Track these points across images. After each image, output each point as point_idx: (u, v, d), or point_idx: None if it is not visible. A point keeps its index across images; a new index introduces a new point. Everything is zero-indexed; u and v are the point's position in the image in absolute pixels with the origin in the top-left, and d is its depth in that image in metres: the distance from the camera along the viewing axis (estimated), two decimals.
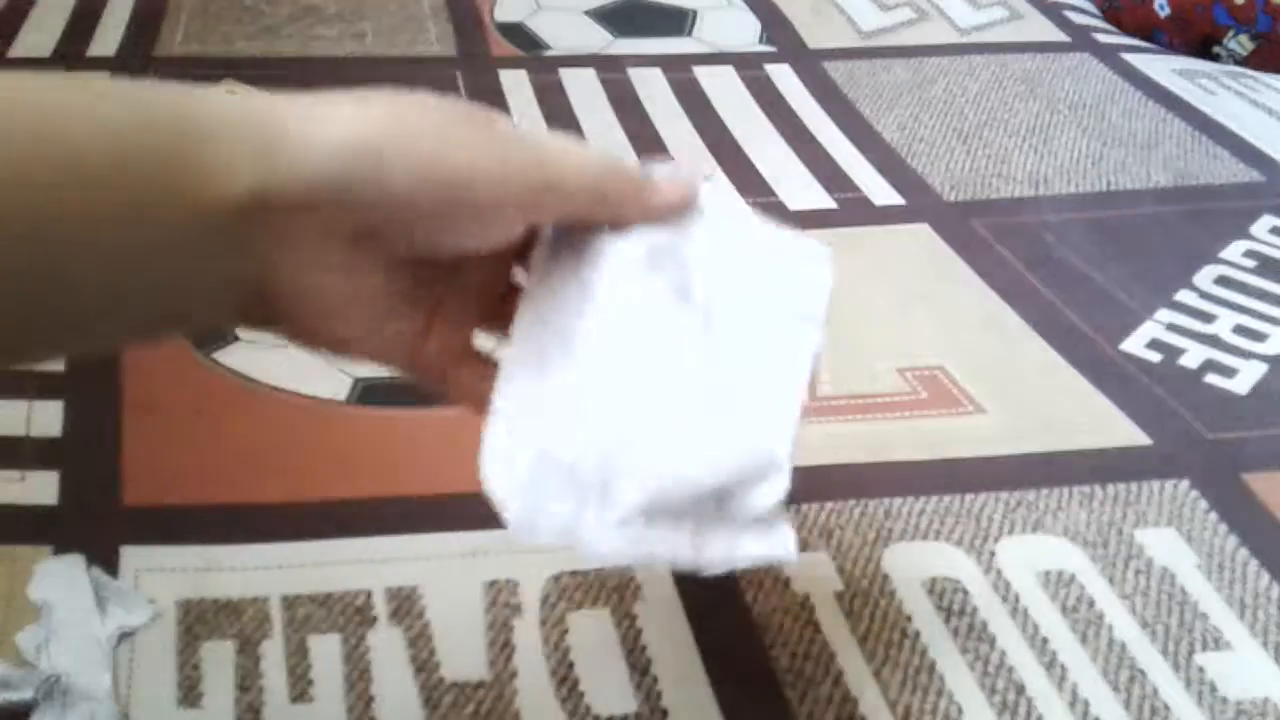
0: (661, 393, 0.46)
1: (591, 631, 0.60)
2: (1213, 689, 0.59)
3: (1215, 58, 1.24)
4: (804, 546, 0.65)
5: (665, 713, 0.57)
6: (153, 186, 0.39)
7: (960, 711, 0.58)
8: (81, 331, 0.41)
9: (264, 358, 0.76)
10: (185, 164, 0.40)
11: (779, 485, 0.46)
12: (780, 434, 0.46)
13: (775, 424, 0.46)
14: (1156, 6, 1.26)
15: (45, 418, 0.71)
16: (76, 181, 0.38)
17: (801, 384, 0.48)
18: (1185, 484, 0.71)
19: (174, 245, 0.40)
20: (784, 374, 0.48)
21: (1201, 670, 0.60)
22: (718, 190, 0.51)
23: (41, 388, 0.73)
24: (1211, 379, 0.79)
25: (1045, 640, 0.61)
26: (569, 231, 0.48)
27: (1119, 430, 0.75)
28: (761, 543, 0.46)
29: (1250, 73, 1.20)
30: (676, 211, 0.49)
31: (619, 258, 0.47)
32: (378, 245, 0.44)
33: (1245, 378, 0.79)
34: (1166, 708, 0.58)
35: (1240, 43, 1.22)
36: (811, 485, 0.69)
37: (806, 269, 0.51)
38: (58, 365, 0.74)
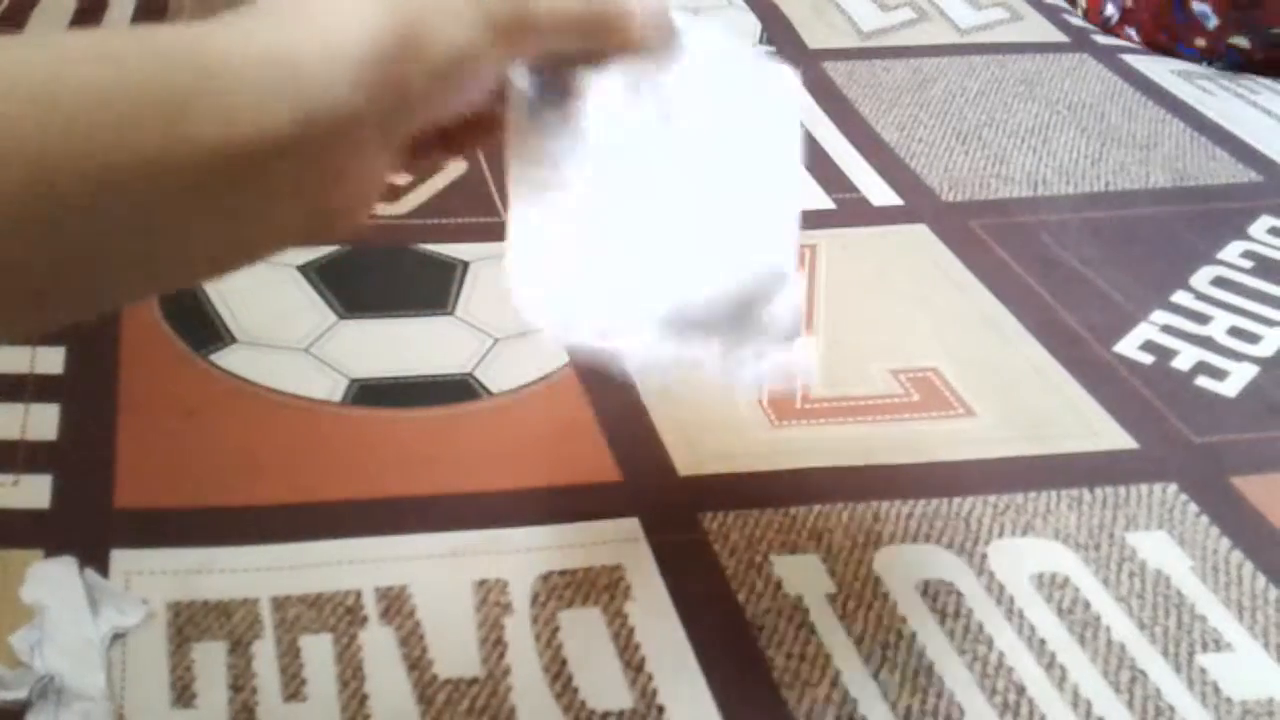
0: (664, 216, 0.47)
1: (583, 629, 0.60)
2: (1216, 690, 0.59)
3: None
4: (794, 549, 0.65)
5: (661, 709, 0.57)
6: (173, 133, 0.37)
7: (962, 712, 0.58)
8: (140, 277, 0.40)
9: (259, 359, 0.76)
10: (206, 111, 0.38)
11: (792, 297, 0.47)
12: (783, 248, 0.47)
13: (776, 238, 0.48)
14: (1127, 32, 1.26)
15: (41, 421, 0.71)
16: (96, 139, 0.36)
17: (794, 198, 0.48)
18: (1173, 487, 0.71)
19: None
20: (776, 190, 0.49)
21: (1204, 671, 0.60)
22: (689, 19, 0.51)
23: (39, 391, 0.73)
24: (1202, 381, 0.79)
25: (1043, 642, 0.61)
26: (544, 68, 0.48)
27: (1106, 434, 0.75)
28: (785, 357, 0.47)
29: (1248, 75, 1.20)
30: (657, 40, 0.48)
31: (600, 89, 0.47)
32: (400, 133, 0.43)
33: (1235, 380, 0.79)
34: (1171, 708, 0.58)
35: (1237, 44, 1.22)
36: (800, 488, 0.69)
37: (777, 89, 0.51)
38: (56, 368, 0.75)
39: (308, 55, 0.39)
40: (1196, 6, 1.18)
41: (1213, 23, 1.18)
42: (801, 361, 0.48)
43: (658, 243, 0.47)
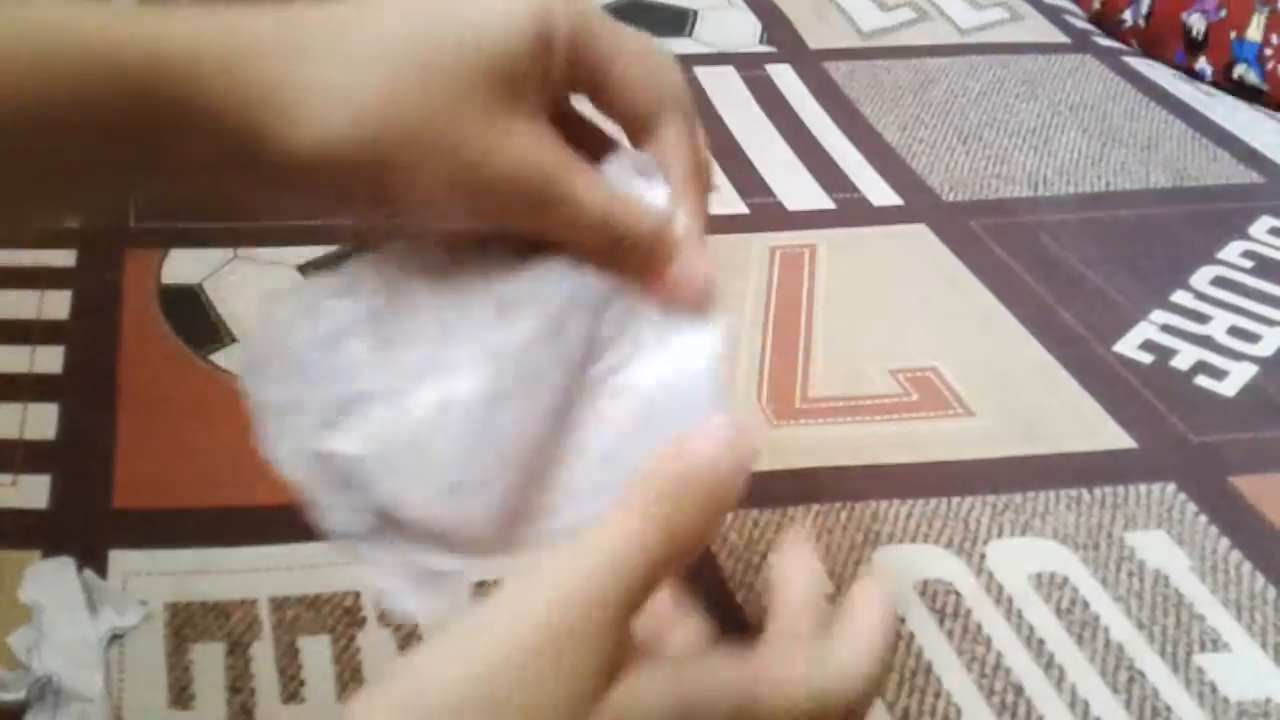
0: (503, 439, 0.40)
1: None
2: (1213, 689, 0.59)
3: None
4: None
5: None
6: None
7: (959, 712, 0.58)
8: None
9: None
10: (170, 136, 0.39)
11: (463, 568, 0.40)
12: (563, 521, 0.41)
13: (572, 512, 0.41)
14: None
15: (40, 421, 0.71)
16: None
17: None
18: (1172, 487, 0.71)
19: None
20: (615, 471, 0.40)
21: (1201, 671, 0.60)
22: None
23: (37, 390, 0.73)
24: (1201, 381, 0.79)
25: (1041, 641, 0.61)
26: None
27: (1105, 433, 0.75)
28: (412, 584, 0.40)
29: None
30: (690, 305, 0.43)
31: (558, 294, 0.41)
32: None
33: (1234, 380, 0.79)
34: (1168, 708, 0.58)
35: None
36: (799, 487, 0.69)
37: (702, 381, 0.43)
38: (55, 368, 0.75)
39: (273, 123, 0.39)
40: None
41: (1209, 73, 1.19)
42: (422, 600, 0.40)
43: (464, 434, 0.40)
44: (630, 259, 0.42)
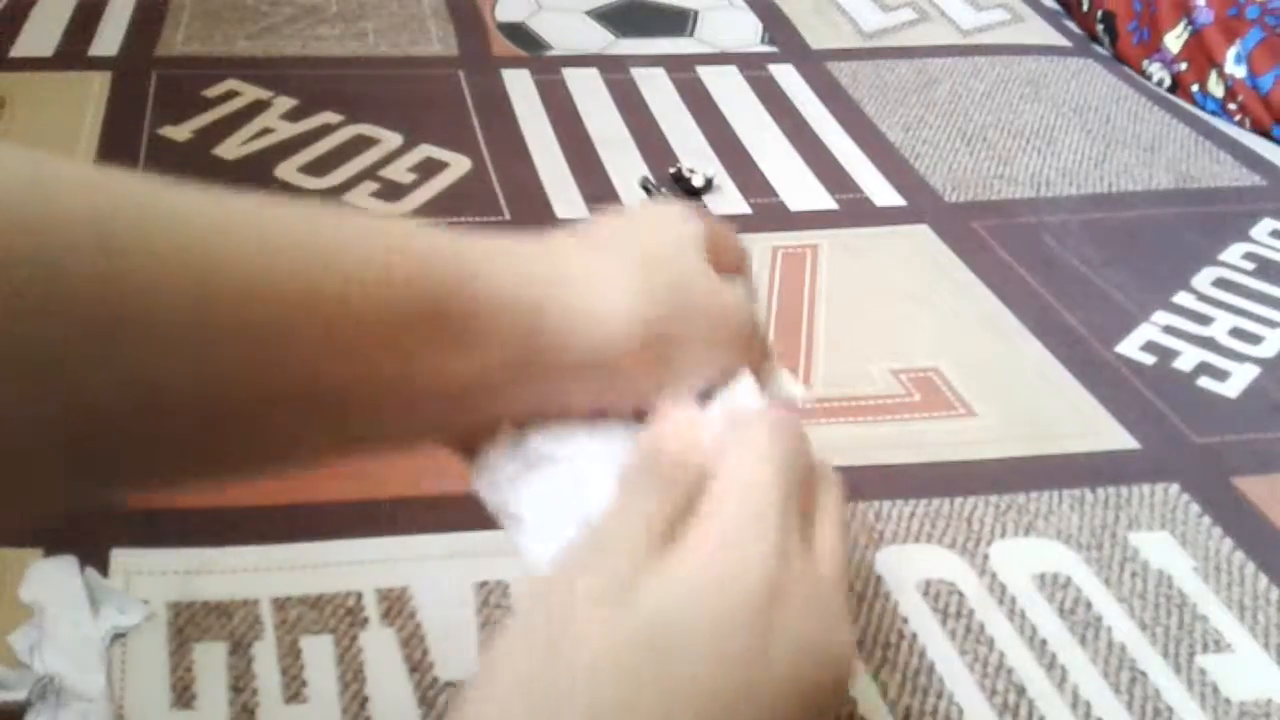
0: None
1: None
2: (1215, 690, 0.59)
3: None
4: None
5: None
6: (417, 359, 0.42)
7: (961, 713, 0.57)
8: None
9: None
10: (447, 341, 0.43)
11: None
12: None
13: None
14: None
15: None
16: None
17: None
18: (1175, 488, 0.70)
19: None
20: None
21: (1204, 672, 0.60)
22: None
23: None
24: (1203, 382, 0.79)
25: (1044, 642, 0.61)
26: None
27: (1108, 434, 0.75)
28: None
29: None
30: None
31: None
32: None
33: (1236, 381, 0.79)
34: (1170, 709, 0.58)
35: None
36: None
37: None
38: None
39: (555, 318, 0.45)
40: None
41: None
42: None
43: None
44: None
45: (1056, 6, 1.32)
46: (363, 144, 1.00)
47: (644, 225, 0.50)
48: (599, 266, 0.46)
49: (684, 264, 0.48)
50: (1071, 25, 1.28)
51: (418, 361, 0.42)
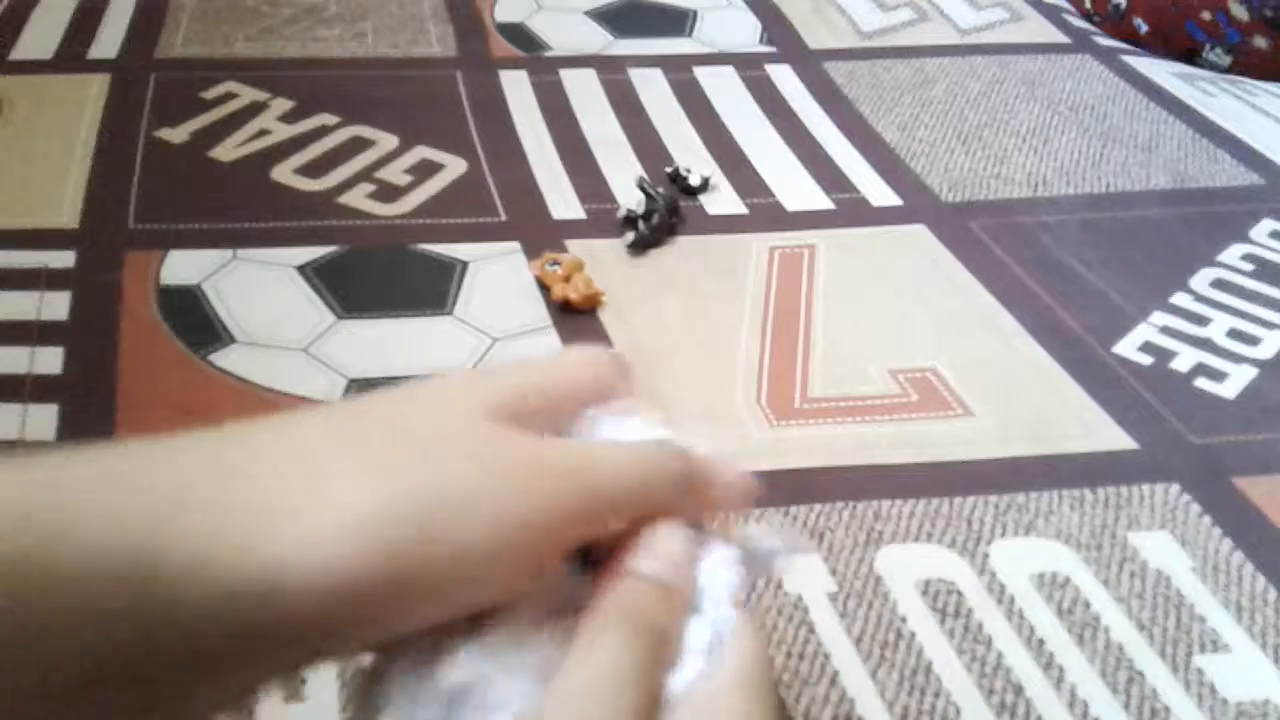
0: None
1: None
2: (1213, 690, 0.59)
3: (1201, 67, 1.24)
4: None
5: None
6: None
7: (958, 712, 0.57)
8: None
9: (258, 359, 0.76)
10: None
11: None
12: None
13: None
14: (1135, 24, 1.26)
15: (40, 422, 0.71)
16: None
17: None
18: (1176, 488, 0.71)
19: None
20: None
21: (1201, 672, 0.60)
22: None
23: (38, 392, 0.73)
24: (1201, 383, 0.79)
25: (1042, 641, 0.61)
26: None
27: (1106, 434, 0.75)
28: None
29: (1246, 80, 1.20)
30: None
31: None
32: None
33: (1234, 382, 0.79)
34: (1167, 709, 0.58)
35: (1219, 54, 1.22)
36: (801, 486, 0.69)
37: None
38: (55, 369, 0.75)
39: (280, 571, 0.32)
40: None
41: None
42: None
43: None
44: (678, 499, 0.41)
45: (1057, 1, 1.32)
46: (359, 145, 1.00)
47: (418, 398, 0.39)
48: (303, 468, 0.34)
49: (460, 441, 0.37)
50: (1072, 21, 1.28)
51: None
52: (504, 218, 0.92)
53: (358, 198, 0.93)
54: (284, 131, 1.01)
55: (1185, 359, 0.81)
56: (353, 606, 0.33)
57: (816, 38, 1.23)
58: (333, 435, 0.36)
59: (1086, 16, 1.32)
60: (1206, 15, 1.20)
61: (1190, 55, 1.24)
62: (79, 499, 0.32)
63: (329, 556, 0.33)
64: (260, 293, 0.82)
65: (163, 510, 0.32)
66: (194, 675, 0.33)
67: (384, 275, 0.85)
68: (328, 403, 0.36)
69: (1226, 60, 1.22)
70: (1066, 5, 1.33)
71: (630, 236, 0.88)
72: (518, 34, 1.21)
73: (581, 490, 0.38)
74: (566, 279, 0.82)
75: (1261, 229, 0.95)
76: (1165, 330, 0.83)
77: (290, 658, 0.34)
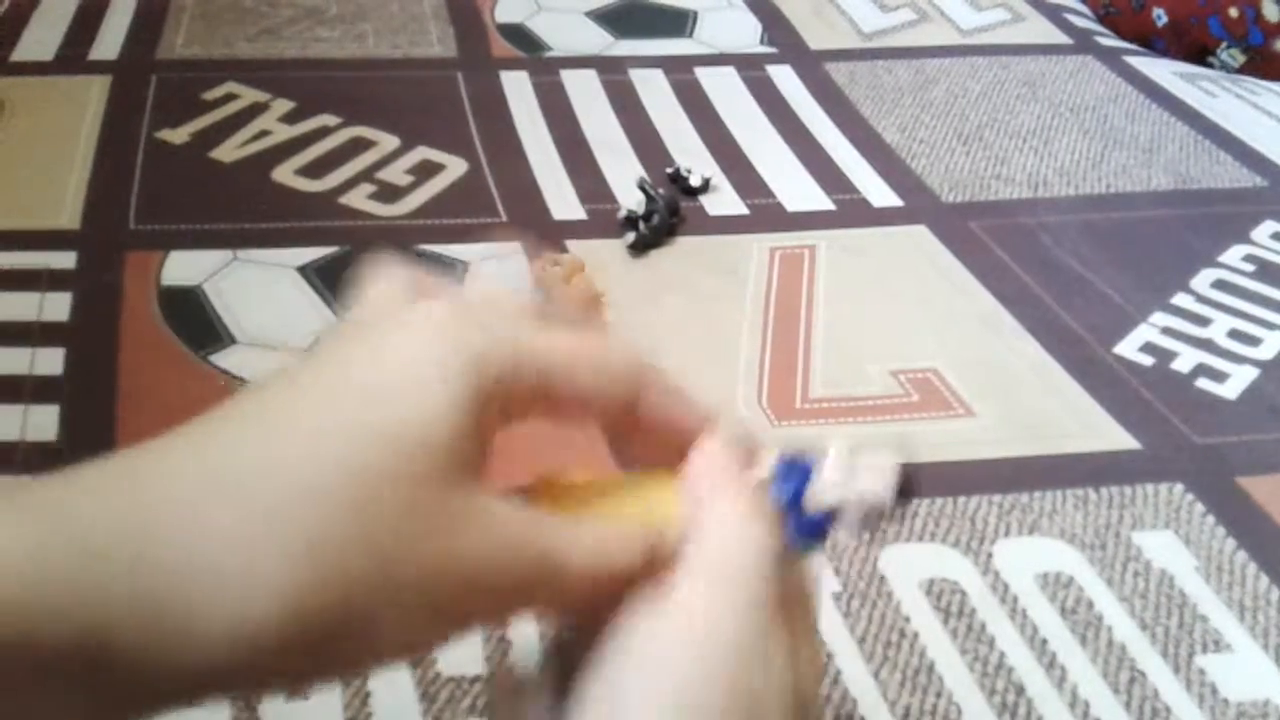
0: None
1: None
2: (1214, 691, 0.59)
3: (1209, 67, 1.24)
4: None
5: None
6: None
7: (960, 712, 0.57)
8: None
9: (259, 359, 0.76)
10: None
11: None
12: None
13: None
14: (1154, 16, 1.26)
15: (41, 422, 0.71)
16: None
17: None
18: (1179, 487, 0.71)
19: None
20: None
21: (1202, 672, 0.60)
22: None
23: (38, 392, 0.73)
24: (1202, 383, 0.79)
25: (1044, 641, 0.61)
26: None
27: (1108, 434, 0.75)
28: None
29: (1248, 79, 1.20)
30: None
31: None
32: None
33: (1235, 383, 0.79)
34: (1168, 709, 0.58)
35: (1233, 55, 1.22)
36: None
37: None
38: (56, 369, 0.75)
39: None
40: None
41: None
42: None
43: None
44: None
45: (1059, 1, 1.32)
46: (360, 146, 1.00)
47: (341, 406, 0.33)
48: (233, 549, 0.31)
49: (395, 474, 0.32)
50: (1073, 21, 1.28)
51: None
52: (504, 218, 0.92)
53: (358, 198, 0.93)
54: (285, 132, 1.01)
55: (1186, 360, 0.81)
56: (276, 670, 0.32)
57: (817, 38, 1.23)
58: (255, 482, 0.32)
59: (1101, 8, 1.32)
60: (1234, 12, 1.20)
61: (1201, 54, 1.24)
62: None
63: (259, 635, 0.30)
64: (261, 293, 0.82)
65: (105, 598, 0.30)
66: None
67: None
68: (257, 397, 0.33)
69: (1239, 61, 1.22)
70: (1068, 4, 1.32)
71: (631, 237, 0.88)
72: (518, 35, 1.20)
73: (528, 572, 0.35)
74: (567, 280, 0.82)
75: (1263, 230, 0.95)
76: (1166, 331, 0.83)
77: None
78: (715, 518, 0.37)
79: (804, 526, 0.39)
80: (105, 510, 0.32)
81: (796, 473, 0.39)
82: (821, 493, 0.39)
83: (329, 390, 0.34)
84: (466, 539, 0.33)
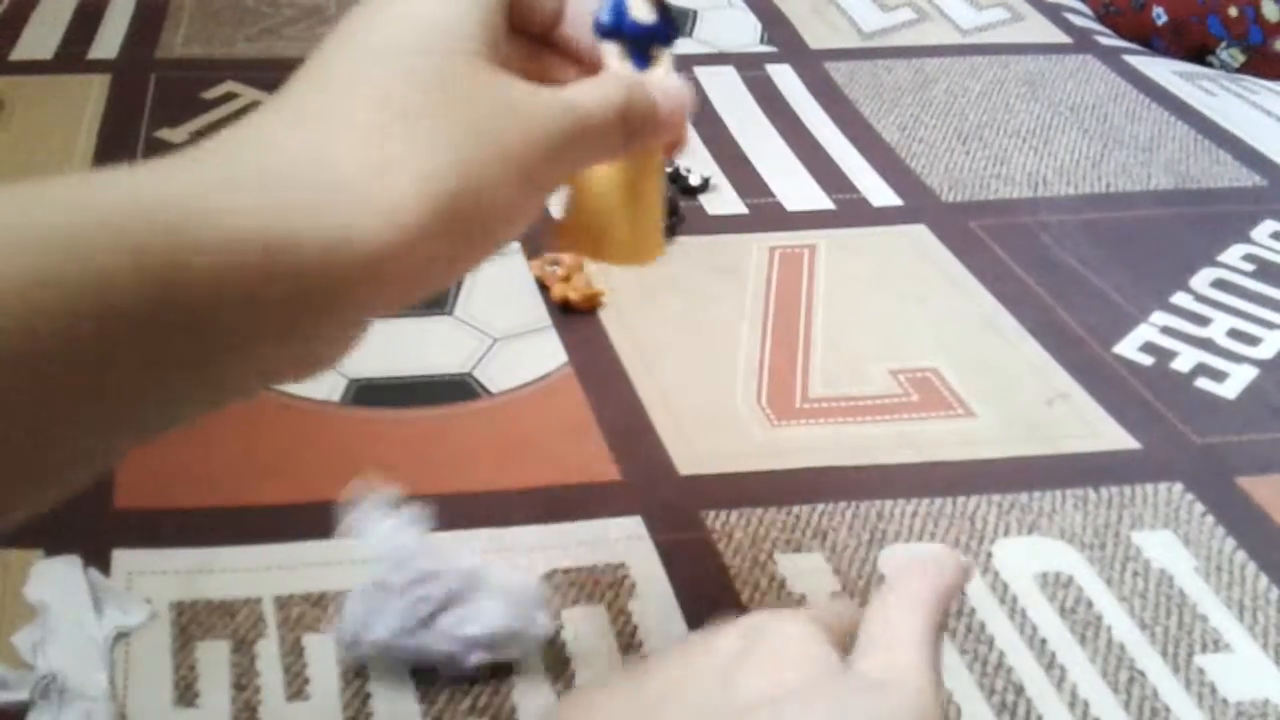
0: None
1: (588, 626, 0.60)
2: (1213, 690, 0.59)
3: (1209, 66, 1.24)
4: (798, 547, 0.65)
5: None
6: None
7: (959, 712, 0.58)
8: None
9: None
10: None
11: None
12: None
13: None
14: (1154, 15, 1.26)
15: None
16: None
17: None
18: (1179, 487, 0.71)
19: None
20: None
21: (1201, 671, 0.60)
22: None
23: None
24: (1201, 383, 0.79)
25: (1044, 641, 0.61)
26: None
27: (1108, 434, 0.75)
28: None
29: (1248, 78, 1.20)
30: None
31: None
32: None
33: (1235, 382, 0.79)
34: (1167, 709, 0.58)
35: (1232, 55, 1.22)
36: (802, 486, 0.69)
37: None
38: None
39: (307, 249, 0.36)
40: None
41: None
42: None
43: None
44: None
45: (1059, 0, 1.32)
46: None
47: (397, 39, 0.40)
48: (360, 141, 0.38)
49: (473, 87, 0.40)
50: (1073, 20, 1.28)
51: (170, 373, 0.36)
52: None
53: None
54: None
55: (1186, 359, 0.81)
56: (410, 263, 0.37)
57: (817, 37, 1.23)
58: (368, 102, 0.39)
59: (1101, 6, 1.32)
60: (1234, 11, 1.20)
61: (1201, 53, 1.24)
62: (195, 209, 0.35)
63: (401, 219, 0.37)
64: None
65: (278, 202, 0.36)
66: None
67: None
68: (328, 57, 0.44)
69: (1238, 61, 1.22)
70: (1068, 4, 1.33)
71: None
72: None
73: (572, 127, 0.42)
74: (566, 279, 0.83)
75: (1262, 229, 0.95)
76: (1166, 330, 0.83)
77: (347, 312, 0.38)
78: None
79: (634, 50, 0.50)
80: (267, 148, 0.40)
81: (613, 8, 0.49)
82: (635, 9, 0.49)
83: (381, 19, 0.41)
84: (530, 108, 0.41)
